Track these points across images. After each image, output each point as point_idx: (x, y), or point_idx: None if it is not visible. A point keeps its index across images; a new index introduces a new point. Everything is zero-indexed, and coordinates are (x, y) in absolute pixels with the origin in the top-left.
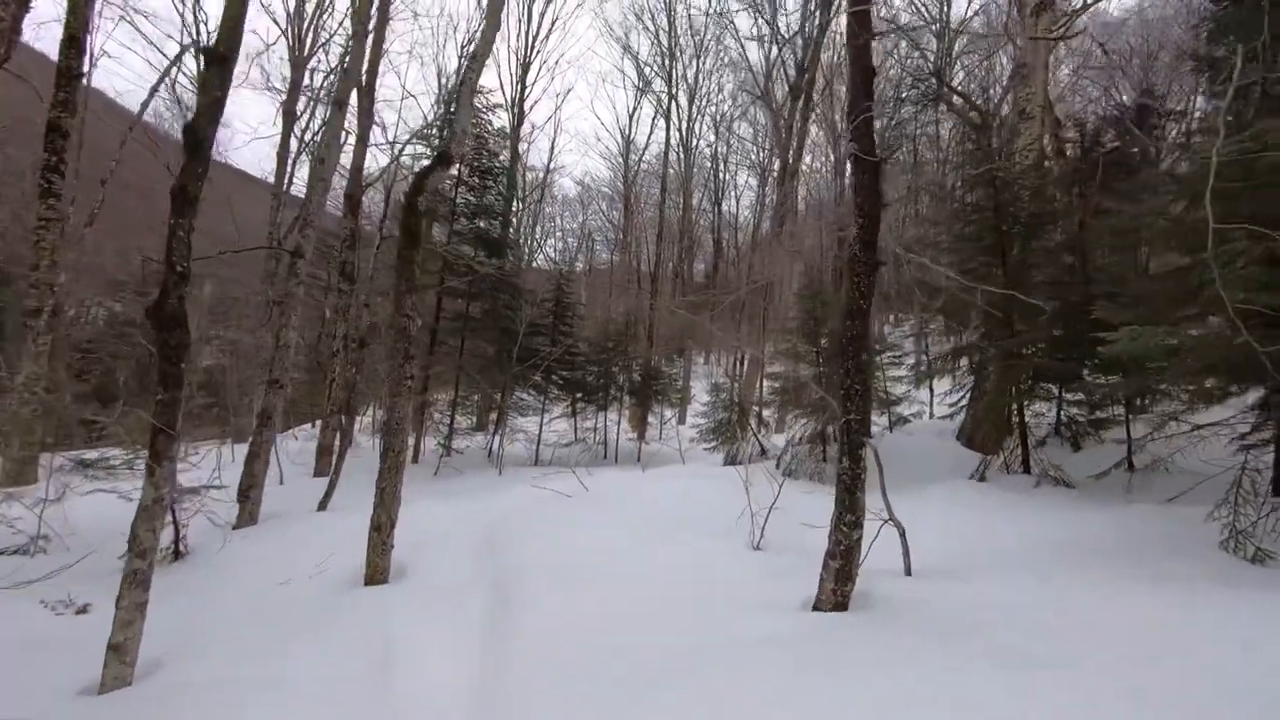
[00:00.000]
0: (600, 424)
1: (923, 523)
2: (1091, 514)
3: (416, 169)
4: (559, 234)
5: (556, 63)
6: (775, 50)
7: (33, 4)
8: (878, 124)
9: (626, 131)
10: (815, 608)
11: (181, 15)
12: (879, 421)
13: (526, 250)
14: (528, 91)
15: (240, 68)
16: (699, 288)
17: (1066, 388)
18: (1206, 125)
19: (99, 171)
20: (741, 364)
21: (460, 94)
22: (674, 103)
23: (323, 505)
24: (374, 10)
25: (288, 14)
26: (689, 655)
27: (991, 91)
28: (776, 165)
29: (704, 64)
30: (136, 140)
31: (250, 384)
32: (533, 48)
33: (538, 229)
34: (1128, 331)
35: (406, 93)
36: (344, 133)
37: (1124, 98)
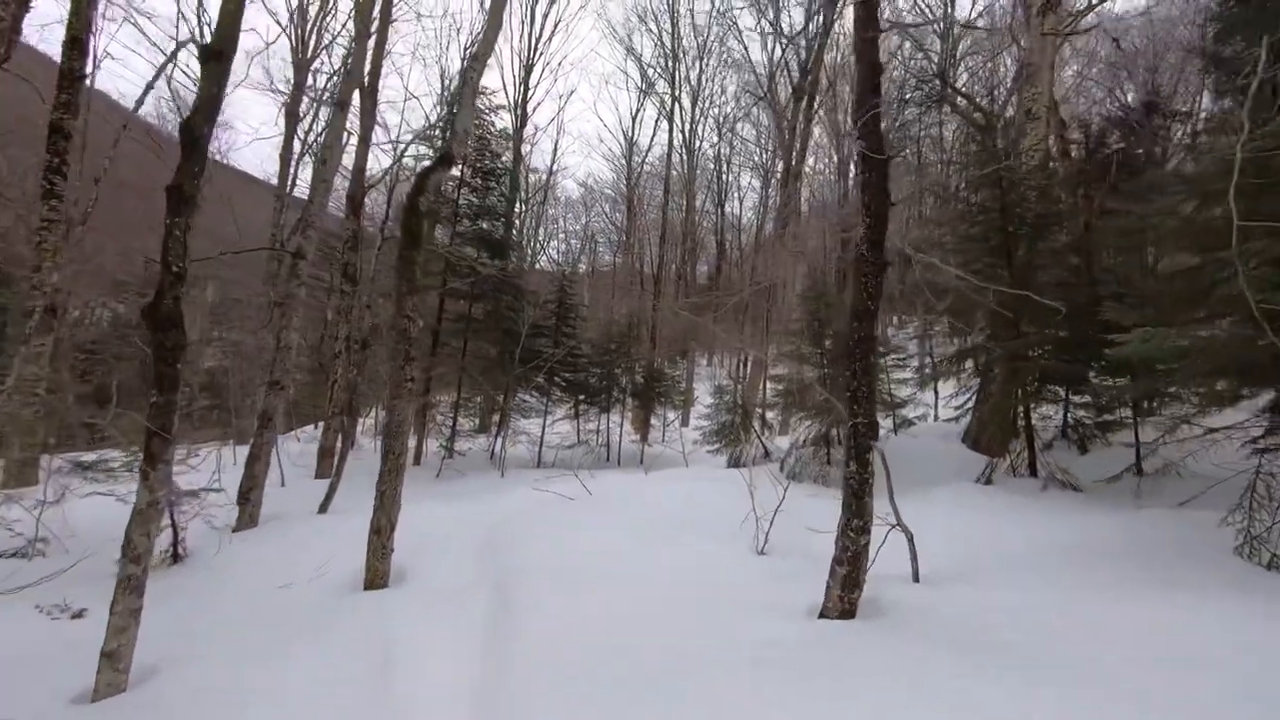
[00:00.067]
0: (603, 426)
1: (928, 526)
2: (1100, 518)
3: (419, 170)
4: (562, 235)
5: (559, 65)
6: (779, 51)
7: (33, 4)
8: (882, 125)
9: (629, 133)
10: (822, 615)
11: (182, 15)
12: (883, 424)
13: (529, 252)
14: (531, 93)
15: (242, 68)
16: (702, 289)
17: (1073, 390)
18: (1214, 125)
19: (106, 174)
20: (745, 366)
21: (462, 94)
22: (677, 104)
23: (324, 507)
24: (376, 12)
25: (290, 15)
26: (691, 657)
27: (996, 92)
28: (780, 166)
29: (707, 65)
30: (136, 139)
31: (252, 385)
32: (536, 49)
33: (540, 230)
34: (1140, 333)
35: (409, 94)
36: (346, 133)
37: (1129, 98)
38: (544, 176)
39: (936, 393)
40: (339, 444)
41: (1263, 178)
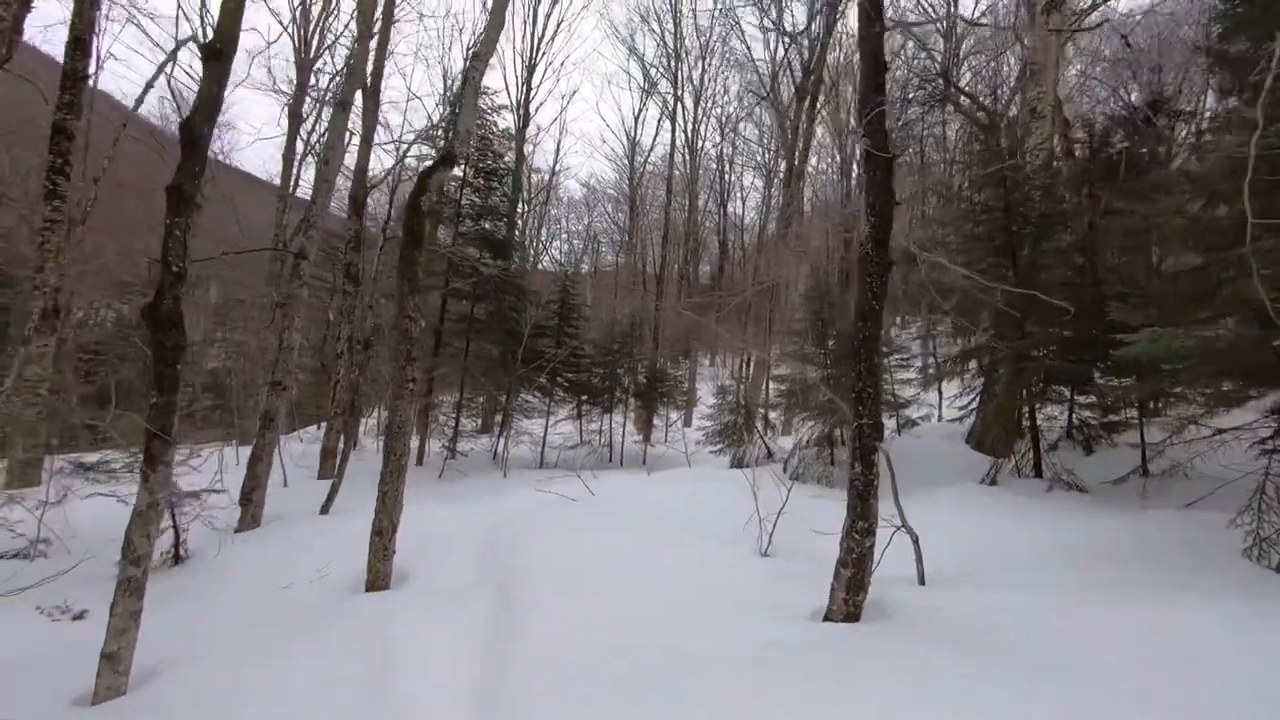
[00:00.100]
0: (605, 426)
1: (932, 526)
2: (1106, 519)
3: (421, 170)
4: (564, 236)
5: (562, 65)
6: (781, 50)
7: (35, 4)
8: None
9: (632, 133)
10: (827, 618)
11: (184, 14)
12: (887, 424)
13: (531, 252)
14: (533, 93)
15: (245, 69)
16: (704, 289)
17: (1078, 390)
18: (1219, 123)
19: (106, 174)
20: (747, 366)
21: (464, 93)
22: (679, 104)
23: (326, 508)
24: (379, 12)
25: (293, 15)
26: (693, 658)
27: (1000, 92)
28: (782, 166)
29: (710, 65)
30: (138, 139)
31: (255, 386)
32: (538, 49)
33: (543, 231)
34: (1148, 333)
35: (412, 94)
36: (348, 134)
37: (1132, 97)
38: (546, 176)
39: (940, 393)
40: (341, 444)
41: (1276, 175)
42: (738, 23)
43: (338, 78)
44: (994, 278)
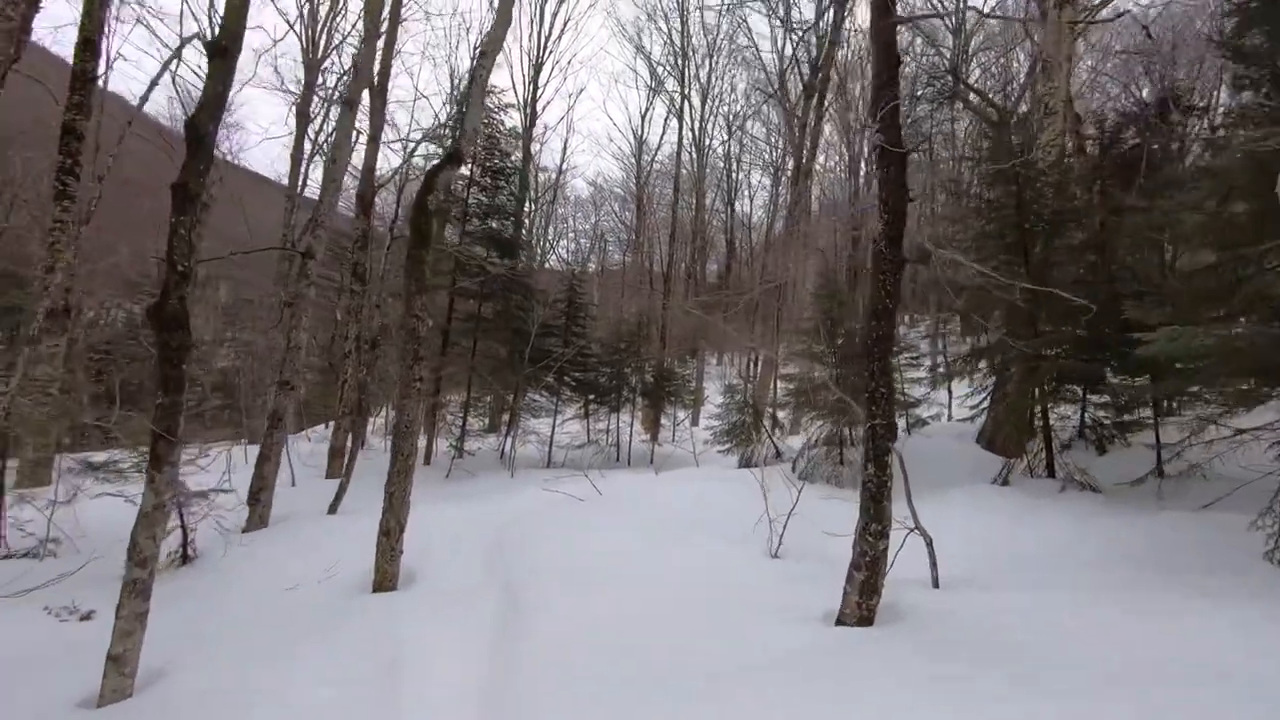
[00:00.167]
0: (613, 426)
1: (945, 527)
2: (1120, 520)
3: (428, 169)
4: (571, 235)
5: (569, 63)
6: (789, 47)
7: (43, 4)
8: None
9: (639, 132)
10: (839, 621)
11: (191, 13)
12: (897, 424)
13: (539, 251)
14: (540, 92)
15: (252, 68)
16: (712, 288)
17: (1091, 389)
18: (1234, 119)
19: (114, 174)
20: (755, 365)
21: (471, 91)
22: (687, 102)
23: (333, 508)
24: (386, 11)
25: (300, 15)
26: (701, 657)
27: (1010, 88)
28: (790, 164)
29: (717, 63)
30: (145, 139)
31: (263, 385)
32: (545, 48)
33: (550, 229)
34: (1166, 332)
35: (419, 93)
36: (355, 133)
37: (1144, 93)
38: (553, 175)
39: (950, 392)
40: (349, 444)
41: None
42: (744, 20)
43: (345, 77)
44: (1007, 275)
